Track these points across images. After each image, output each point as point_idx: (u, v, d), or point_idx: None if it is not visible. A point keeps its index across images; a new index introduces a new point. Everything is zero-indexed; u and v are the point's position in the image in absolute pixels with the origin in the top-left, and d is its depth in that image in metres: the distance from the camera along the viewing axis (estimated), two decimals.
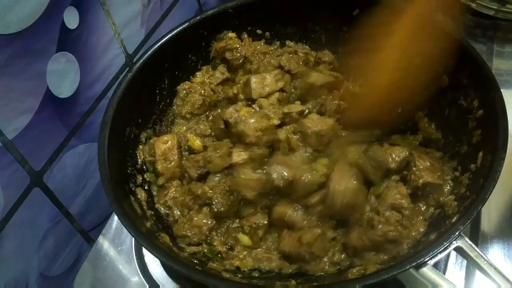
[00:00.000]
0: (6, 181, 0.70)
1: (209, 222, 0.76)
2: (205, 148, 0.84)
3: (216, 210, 0.76)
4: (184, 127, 0.89)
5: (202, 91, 0.91)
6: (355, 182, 0.71)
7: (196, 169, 0.81)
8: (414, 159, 0.76)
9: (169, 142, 0.84)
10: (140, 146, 0.84)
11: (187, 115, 0.90)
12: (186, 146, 0.85)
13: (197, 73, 0.95)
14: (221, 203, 0.76)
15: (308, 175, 0.73)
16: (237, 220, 0.77)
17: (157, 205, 0.80)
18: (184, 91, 0.92)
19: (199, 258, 0.73)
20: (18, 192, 0.73)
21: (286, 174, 0.73)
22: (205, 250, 0.74)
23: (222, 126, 0.83)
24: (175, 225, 0.78)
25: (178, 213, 0.79)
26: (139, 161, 0.83)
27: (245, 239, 0.75)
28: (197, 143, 0.85)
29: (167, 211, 0.80)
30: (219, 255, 0.74)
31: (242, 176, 0.75)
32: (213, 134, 0.86)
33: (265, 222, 0.75)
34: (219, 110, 0.88)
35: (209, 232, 0.76)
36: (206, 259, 0.73)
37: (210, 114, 0.91)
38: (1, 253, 0.72)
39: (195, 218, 0.76)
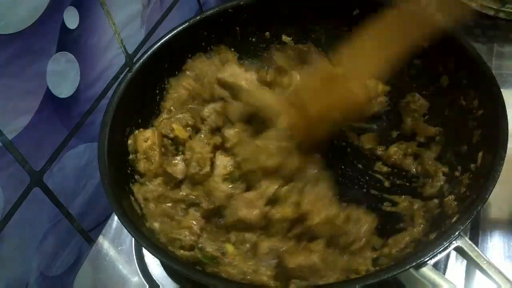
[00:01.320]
0: (6, 181, 0.69)
1: (200, 220, 0.74)
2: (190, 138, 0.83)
3: (205, 208, 0.74)
4: (163, 119, 0.86)
5: (187, 85, 0.88)
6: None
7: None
8: None
9: (149, 139, 0.80)
10: (129, 141, 0.82)
11: (171, 108, 0.87)
12: (171, 135, 0.83)
13: None
14: (208, 200, 0.74)
15: (280, 212, 0.70)
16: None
17: (136, 195, 0.76)
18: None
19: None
20: (18, 192, 0.73)
21: (237, 214, 0.70)
22: (199, 255, 0.71)
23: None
24: (160, 235, 0.74)
25: (158, 226, 0.74)
26: None
27: (230, 249, 0.71)
28: (183, 132, 0.83)
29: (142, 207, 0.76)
30: (214, 260, 0.71)
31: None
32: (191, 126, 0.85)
33: (253, 241, 0.70)
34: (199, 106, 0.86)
35: (201, 231, 0.73)
36: (203, 265, 0.71)
37: (193, 105, 0.88)
38: (1, 253, 0.72)
39: (183, 220, 0.74)
